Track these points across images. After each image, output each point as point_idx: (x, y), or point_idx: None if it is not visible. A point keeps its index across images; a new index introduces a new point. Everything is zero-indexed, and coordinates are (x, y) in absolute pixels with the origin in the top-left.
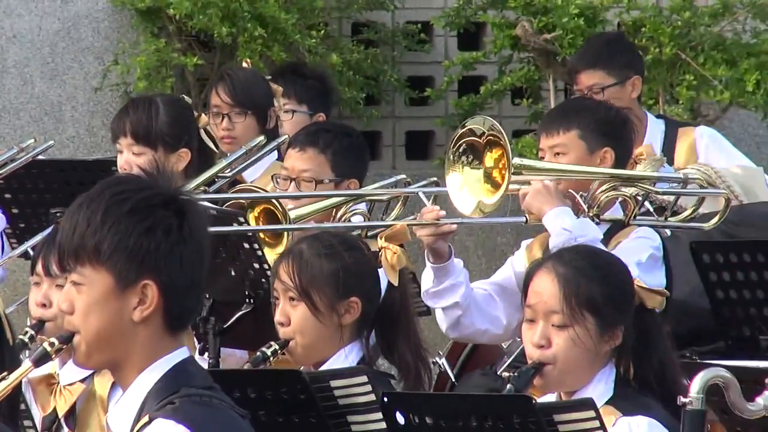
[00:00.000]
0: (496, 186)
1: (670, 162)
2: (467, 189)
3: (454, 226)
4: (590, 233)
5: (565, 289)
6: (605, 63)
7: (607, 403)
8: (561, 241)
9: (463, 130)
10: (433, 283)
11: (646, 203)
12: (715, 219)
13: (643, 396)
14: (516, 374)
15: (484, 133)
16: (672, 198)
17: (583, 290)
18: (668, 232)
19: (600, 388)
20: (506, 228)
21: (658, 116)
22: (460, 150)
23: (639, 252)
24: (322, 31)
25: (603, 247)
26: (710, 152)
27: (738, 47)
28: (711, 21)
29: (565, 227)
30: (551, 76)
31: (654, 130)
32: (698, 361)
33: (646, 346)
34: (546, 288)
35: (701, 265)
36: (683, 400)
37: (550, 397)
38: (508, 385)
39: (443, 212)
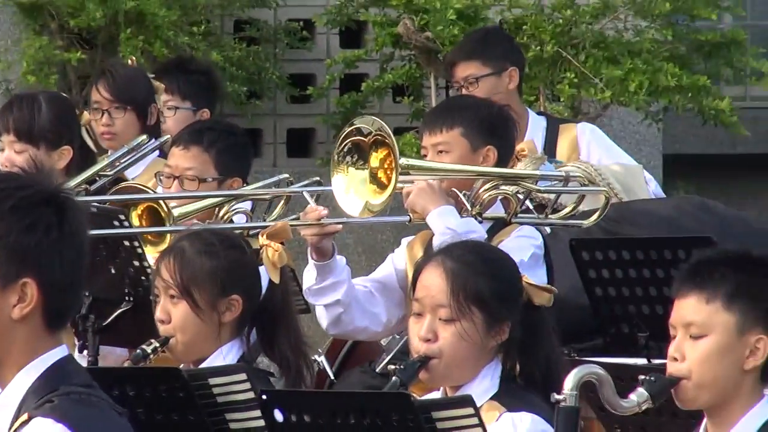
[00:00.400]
0: (381, 186)
1: (551, 158)
2: (353, 190)
3: (339, 225)
4: (474, 232)
5: (453, 284)
6: (481, 54)
7: (491, 398)
8: (445, 241)
9: (351, 128)
10: (315, 280)
11: (527, 201)
12: (595, 216)
13: (528, 393)
14: (402, 367)
15: (371, 132)
16: (553, 196)
17: (470, 285)
18: (548, 229)
19: (485, 384)
20: (386, 225)
21: (540, 113)
22: (345, 149)
23: (521, 251)
24: (203, 28)
25: None
26: (592, 148)
27: (619, 45)
28: (592, 19)
29: (449, 226)
30: (432, 74)
31: (536, 127)
32: (577, 358)
33: (532, 343)
34: (434, 282)
35: (580, 262)
36: (557, 397)
37: (436, 394)
38: (393, 378)
39: (326, 212)
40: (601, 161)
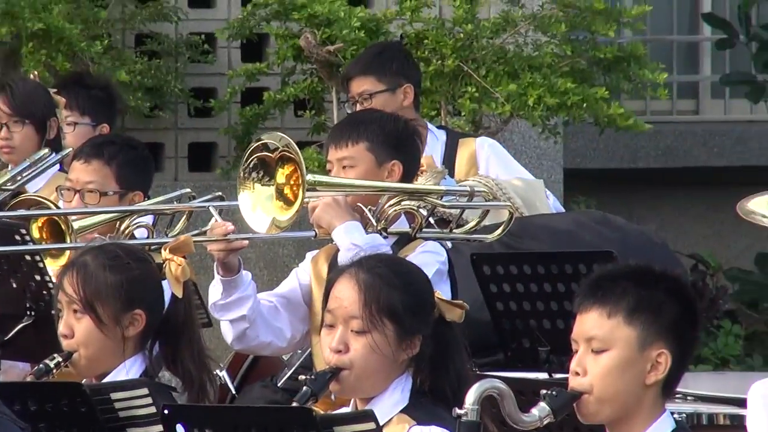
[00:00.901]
0: (288, 202)
1: (451, 173)
2: (260, 207)
3: (245, 241)
4: (379, 249)
5: (366, 296)
6: (376, 70)
7: (401, 411)
8: (350, 257)
9: (257, 144)
10: (221, 296)
11: (431, 216)
12: (499, 231)
13: (438, 407)
14: (313, 377)
15: (277, 148)
16: (457, 211)
17: (383, 297)
18: (449, 243)
19: (396, 396)
20: (288, 240)
21: (440, 127)
22: (251, 165)
23: (426, 267)
24: (106, 42)
25: None
26: (490, 163)
27: (519, 60)
28: (493, 34)
29: (354, 242)
30: (334, 88)
31: (435, 141)
32: (478, 372)
33: (443, 358)
34: (347, 294)
35: (482, 276)
36: (458, 411)
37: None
38: (304, 388)
39: (233, 227)
40: (500, 176)
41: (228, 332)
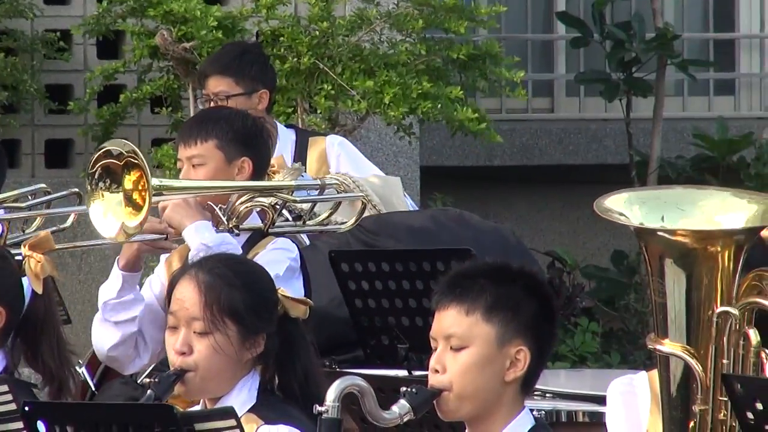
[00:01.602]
0: (137, 208)
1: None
2: (111, 213)
3: (175, 245)
4: (229, 248)
5: (207, 296)
6: (235, 72)
7: (249, 410)
8: (201, 257)
9: (100, 152)
10: (117, 294)
11: (284, 211)
12: (352, 221)
13: (288, 405)
14: (157, 380)
15: (122, 154)
16: (308, 205)
17: (224, 297)
18: (307, 241)
19: (243, 396)
20: None
21: (289, 125)
22: (98, 175)
23: (276, 264)
24: None
25: None
26: (341, 161)
27: (375, 57)
28: (348, 32)
29: (204, 242)
30: (191, 85)
31: (285, 140)
32: (337, 369)
33: (290, 355)
34: (188, 295)
35: (340, 274)
36: (319, 408)
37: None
38: (149, 392)
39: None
40: (351, 173)
41: (110, 337)
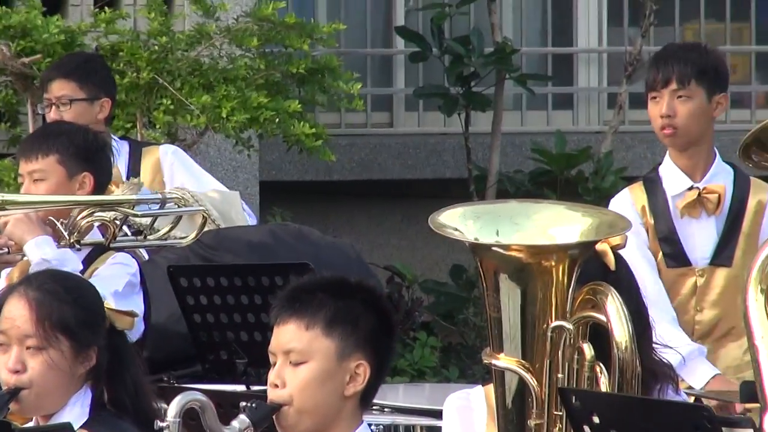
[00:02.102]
0: None
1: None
2: None
3: (18, 256)
4: (69, 263)
5: (38, 313)
6: (79, 77)
7: (82, 426)
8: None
9: None
10: None
11: (125, 227)
12: (192, 235)
13: (120, 419)
14: None
15: None
16: (149, 220)
17: (56, 313)
18: (146, 256)
19: (76, 411)
20: None
21: (122, 137)
22: None
23: (116, 280)
24: None
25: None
26: (175, 169)
27: (215, 72)
28: (188, 47)
29: (44, 257)
30: (29, 99)
31: (118, 153)
32: (176, 385)
33: (119, 368)
34: (18, 313)
35: (178, 288)
36: (160, 424)
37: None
38: None
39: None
40: (185, 184)
41: None
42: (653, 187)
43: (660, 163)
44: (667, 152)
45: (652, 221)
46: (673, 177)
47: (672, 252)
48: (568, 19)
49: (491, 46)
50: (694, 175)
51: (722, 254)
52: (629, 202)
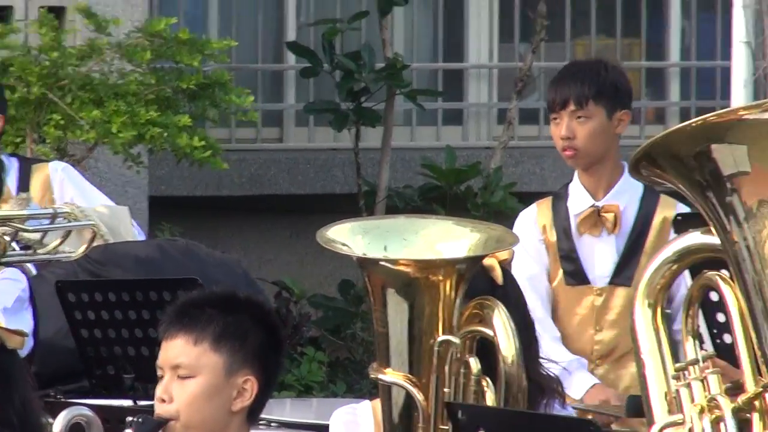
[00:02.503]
0: None
1: None
2: None
3: None
4: None
5: None
6: None
7: None
8: None
9: None
10: None
11: (14, 242)
12: (81, 250)
13: None
14: None
15: None
16: (39, 235)
17: None
18: (34, 271)
19: None
20: None
21: (12, 154)
22: None
23: (5, 296)
24: None
25: None
26: (65, 186)
27: (105, 87)
28: (79, 61)
29: None
30: None
31: (8, 168)
32: (63, 399)
33: (7, 386)
34: None
35: (66, 304)
36: None
37: None
38: None
39: None
40: (75, 199)
41: None
42: (559, 204)
43: (570, 180)
44: (576, 170)
45: (553, 239)
46: (577, 195)
47: (572, 270)
48: (459, 35)
49: (382, 61)
50: (596, 193)
51: (622, 273)
52: (532, 218)
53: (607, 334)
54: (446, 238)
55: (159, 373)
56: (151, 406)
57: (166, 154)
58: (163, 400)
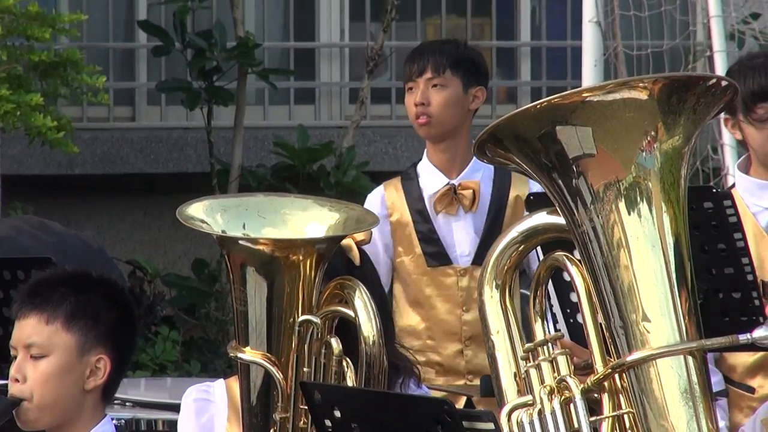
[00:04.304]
0: None
1: None
2: None
3: None
4: None
5: None
6: None
7: None
8: None
9: None
10: None
11: None
12: None
13: None
14: None
15: None
16: None
17: None
18: None
19: None
20: None
21: None
22: None
23: None
24: None
25: None
26: None
27: None
28: None
29: None
30: None
31: None
32: None
33: None
34: None
35: None
36: None
37: None
38: None
39: None
40: None
41: None
42: (409, 185)
43: (419, 161)
44: (425, 150)
45: (407, 220)
46: (429, 174)
47: (433, 251)
48: (311, 14)
49: (234, 40)
50: (450, 172)
51: (484, 253)
52: (379, 197)
53: (475, 314)
54: (306, 217)
55: (12, 352)
56: (5, 385)
57: (18, 133)
58: (17, 380)
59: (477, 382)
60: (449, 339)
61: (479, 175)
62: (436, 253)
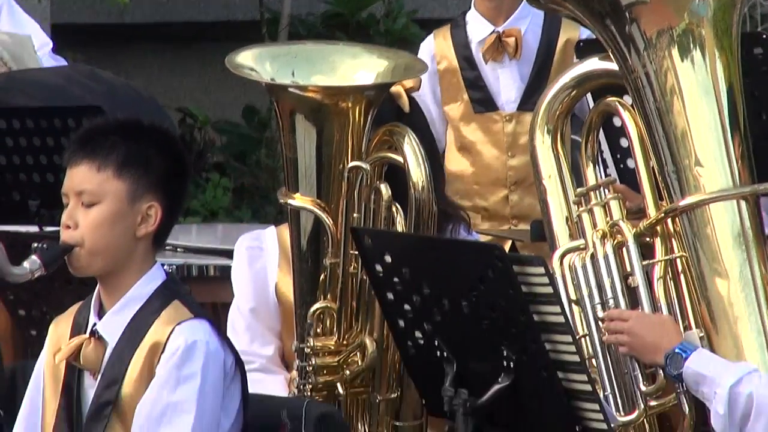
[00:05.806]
0: None
1: None
2: None
3: None
4: None
5: None
6: None
7: None
8: None
9: None
10: None
11: None
12: None
13: None
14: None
15: None
16: None
17: None
18: None
19: None
20: None
21: None
22: None
23: None
24: None
25: None
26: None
27: None
28: None
29: None
30: None
31: None
32: None
33: None
34: None
35: None
36: None
37: None
38: None
39: None
40: (5, 26)
41: None
42: (458, 33)
43: (468, 9)
44: None
45: (455, 66)
46: (476, 23)
47: (479, 98)
48: None
49: None
50: (496, 19)
51: (530, 99)
52: (430, 49)
53: (521, 160)
54: (355, 65)
55: (64, 200)
56: (57, 232)
57: None
58: (68, 227)
59: (522, 226)
60: (495, 184)
61: (525, 22)
62: (483, 99)
